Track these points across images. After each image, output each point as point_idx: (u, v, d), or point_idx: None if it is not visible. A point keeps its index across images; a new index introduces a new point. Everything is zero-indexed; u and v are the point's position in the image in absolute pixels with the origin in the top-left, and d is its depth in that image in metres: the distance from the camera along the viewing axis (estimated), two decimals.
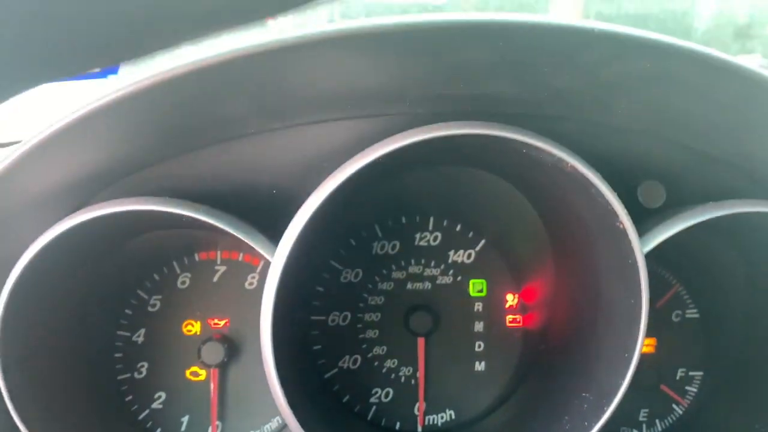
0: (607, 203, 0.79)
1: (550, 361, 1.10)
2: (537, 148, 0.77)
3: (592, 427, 0.88)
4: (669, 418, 1.26)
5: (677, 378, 1.26)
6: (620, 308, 0.88)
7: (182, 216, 0.88)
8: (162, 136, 0.87)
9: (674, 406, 1.26)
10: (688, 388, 1.26)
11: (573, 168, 0.77)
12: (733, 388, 1.21)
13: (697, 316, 1.24)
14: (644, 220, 0.86)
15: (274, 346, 0.84)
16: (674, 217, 0.83)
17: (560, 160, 0.77)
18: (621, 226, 0.79)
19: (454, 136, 0.75)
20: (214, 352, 1.18)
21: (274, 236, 0.89)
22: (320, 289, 1.25)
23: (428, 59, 0.76)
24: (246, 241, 0.91)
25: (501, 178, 1.03)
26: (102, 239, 1.04)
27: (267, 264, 1.22)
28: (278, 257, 0.84)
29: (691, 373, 1.26)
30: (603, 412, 0.88)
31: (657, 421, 1.26)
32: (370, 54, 0.74)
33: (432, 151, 0.87)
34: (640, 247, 0.80)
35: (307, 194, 0.88)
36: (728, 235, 1.00)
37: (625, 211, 0.79)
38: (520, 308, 1.26)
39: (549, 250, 1.08)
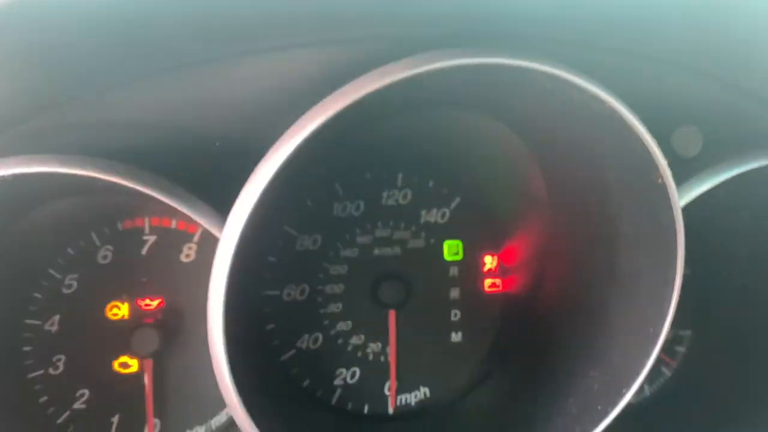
0: (645, 152, 0.64)
1: (545, 335, 0.97)
2: (568, 83, 0.60)
3: (607, 413, 0.76)
4: (657, 382, 1.17)
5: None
6: (644, 277, 0.74)
7: (99, 180, 0.67)
8: (74, 66, 0.64)
9: (663, 368, 1.18)
10: (677, 348, 1.18)
11: (611, 109, 0.61)
12: (723, 348, 1.13)
13: (687, 272, 1.15)
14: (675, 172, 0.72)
15: (226, 336, 0.66)
16: (715, 166, 0.70)
17: (595, 99, 0.61)
18: (660, 180, 0.65)
19: (466, 66, 0.58)
20: (146, 340, 0.99)
21: (219, 202, 0.70)
22: (272, 259, 1.07)
23: None
24: (188, 213, 0.71)
25: (496, 121, 0.85)
26: None
27: (207, 232, 1.03)
28: (230, 231, 0.66)
29: (680, 333, 1.17)
30: (620, 395, 0.76)
31: (645, 386, 1.17)
32: None
33: (419, 88, 0.70)
34: (679, 206, 0.66)
35: (261, 146, 0.68)
36: (746, 192, 0.87)
37: (666, 162, 0.65)
38: (500, 271, 1.13)
39: (543, 207, 0.94)
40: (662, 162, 0.65)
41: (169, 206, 1.00)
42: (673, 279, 0.70)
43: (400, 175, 1.10)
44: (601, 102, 0.61)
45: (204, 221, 0.72)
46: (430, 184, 1.11)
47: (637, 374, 0.74)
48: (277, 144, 0.64)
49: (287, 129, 0.67)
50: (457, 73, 0.59)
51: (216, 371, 0.70)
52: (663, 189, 0.65)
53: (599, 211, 0.79)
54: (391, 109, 0.86)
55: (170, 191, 0.71)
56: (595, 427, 0.76)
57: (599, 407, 0.77)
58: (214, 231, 0.73)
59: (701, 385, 1.15)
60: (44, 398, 1.00)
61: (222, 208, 0.69)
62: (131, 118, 0.72)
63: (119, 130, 0.72)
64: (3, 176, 0.66)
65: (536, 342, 1.01)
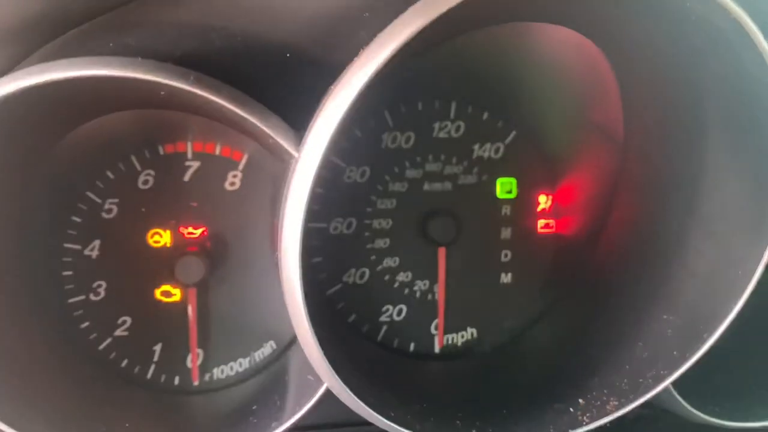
0: (765, 76, 0.58)
1: (605, 278, 0.93)
2: None
3: (686, 359, 0.72)
4: None
5: None
6: (735, 215, 0.69)
7: (164, 87, 0.61)
8: None
9: None
10: None
11: (734, 22, 0.55)
12: None
13: None
14: None
15: (302, 258, 0.63)
16: None
17: (714, 7, 0.55)
18: None
19: None
20: (191, 269, 0.95)
21: (290, 117, 0.65)
22: (319, 190, 1.02)
23: None
24: (263, 127, 0.65)
25: (578, 38, 0.78)
26: (39, 123, 0.77)
27: (253, 160, 0.99)
28: (311, 151, 0.61)
29: None
30: (701, 340, 0.71)
31: None
32: None
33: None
34: None
35: (334, 60, 0.63)
36: None
37: None
38: (554, 211, 1.08)
39: (615, 143, 0.88)
40: None
41: (213, 128, 0.96)
42: None
43: (453, 106, 1.04)
44: (724, 12, 0.54)
45: (280, 138, 0.67)
46: (485, 116, 1.05)
47: (721, 319, 0.70)
48: (364, 57, 0.58)
49: (364, 44, 0.61)
50: None
51: (288, 297, 0.67)
52: None
53: (687, 143, 0.73)
54: (460, 27, 0.79)
55: (245, 103, 0.65)
56: (672, 371, 0.72)
57: (676, 352, 0.74)
58: (289, 148, 0.67)
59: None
60: (85, 324, 0.97)
61: (294, 124, 0.63)
62: (197, 21, 0.66)
63: (182, 34, 0.66)
64: (55, 79, 0.61)
65: (594, 285, 0.97)
